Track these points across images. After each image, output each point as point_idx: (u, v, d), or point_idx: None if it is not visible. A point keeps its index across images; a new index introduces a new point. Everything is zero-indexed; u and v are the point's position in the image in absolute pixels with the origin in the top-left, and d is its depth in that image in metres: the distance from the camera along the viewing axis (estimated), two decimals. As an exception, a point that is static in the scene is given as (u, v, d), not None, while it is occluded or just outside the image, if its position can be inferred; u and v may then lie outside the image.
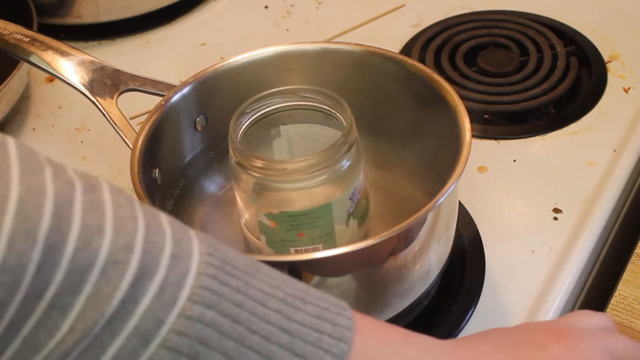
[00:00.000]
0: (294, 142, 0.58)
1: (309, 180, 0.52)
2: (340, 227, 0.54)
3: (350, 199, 0.54)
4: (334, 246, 0.54)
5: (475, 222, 0.64)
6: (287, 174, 0.52)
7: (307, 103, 0.56)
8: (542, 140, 0.72)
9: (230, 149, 0.54)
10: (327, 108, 0.55)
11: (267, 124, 0.57)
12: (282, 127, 0.57)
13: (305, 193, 0.53)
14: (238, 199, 0.56)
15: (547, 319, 0.58)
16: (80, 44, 0.88)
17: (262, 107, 0.56)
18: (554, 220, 0.65)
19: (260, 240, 0.56)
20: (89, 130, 0.78)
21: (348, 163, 0.53)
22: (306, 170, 0.51)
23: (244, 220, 0.58)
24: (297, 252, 0.55)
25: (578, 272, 0.61)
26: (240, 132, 0.55)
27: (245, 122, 0.55)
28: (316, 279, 0.48)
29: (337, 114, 0.55)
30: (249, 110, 0.55)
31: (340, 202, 0.53)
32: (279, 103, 0.56)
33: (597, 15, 0.86)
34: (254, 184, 0.53)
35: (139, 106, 0.72)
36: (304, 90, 0.56)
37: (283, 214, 0.53)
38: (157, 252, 0.33)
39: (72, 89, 0.59)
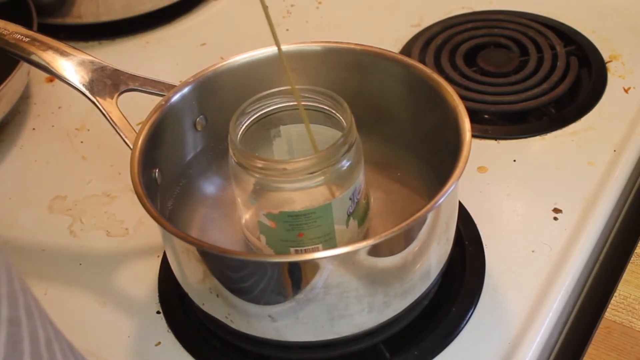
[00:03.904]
0: (294, 142, 0.58)
1: (309, 180, 0.52)
2: (340, 227, 0.54)
3: (350, 199, 0.54)
4: (334, 246, 0.54)
5: (475, 222, 0.64)
6: (287, 174, 0.52)
7: (307, 103, 0.56)
8: (542, 140, 0.72)
9: (230, 149, 0.54)
10: (327, 108, 0.55)
11: (267, 124, 0.57)
12: (282, 127, 0.57)
13: (305, 193, 0.53)
14: (238, 199, 0.56)
15: (547, 320, 0.58)
16: (80, 44, 0.88)
17: (262, 107, 0.56)
18: (554, 220, 0.65)
19: (260, 240, 0.56)
20: (89, 130, 0.78)
21: (348, 163, 0.53)
22: (306, 170, 0.51)
23: (244, 221, 0.58)
24: (297, 252, 0.55)
25: (578, 272, 0.61)
26: (240, 132, 0.55)
27: (245, 122, 0.55)
28: (317, 278, 0.48)
29: (337, 114, 0.55)
30: (249, 110, 0.55)
31: (340, 202, 0.53)
32: (279, 103, 0.56)
33: (597, 15, 0.86)
34: (254, 184, 0.53)
35: (139, 106, 0.72)
36: (304, 90, 0.56)
37: (283, 214, 0.53)
38: None
39: (72, 89, 0.59)
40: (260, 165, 0.52)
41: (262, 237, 0.55)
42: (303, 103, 0.56)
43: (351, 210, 0.54)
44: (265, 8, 0.50)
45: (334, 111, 0.55)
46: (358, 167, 0.54)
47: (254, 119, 0.56)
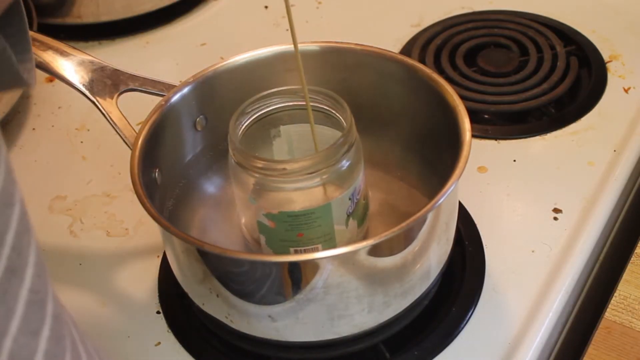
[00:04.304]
0: (294, 142, 0.58)
1: (309, 180, 0.52)
2: (339, 228, 0.54)
3: (350, 199, 0.54)
4: (333, 246, 0.54)
5: (475, 222, 0.64)
6: (287, 174, 0.52)
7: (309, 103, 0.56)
8: (542, 140, 0.72)
9: (230, 149, 0.54)
10: (327, 108, 0.55)
11: (267, 124, 0.57)
12: (282, 127, 0.57)
13: (304, 193, 0.53)
14: (237, 199, 0.56)
15: (547, 320, 0.58)
16: (80, 44, 0.88)
17: (262, 107, 0.56)
18: (554, 220, 0.65)
19: (259, 241, 0.56)
20: (89, 130, 0.78)
21: (348, 163, 0.53)
22: (306, 170, 0.51)
23: (243, 220, 0.58)
24: (296, 252, 0.55)
25: (578, 272, 0.61)
26: (240, 132, 0.55)
27: (245, 122, 0.55)
28: (317, 278, 0.48)
29: (337, 114, 0.55)
30: (249, 110, 0.55)
31: (339, 202, 0.53)
32: (279, 103, 0.56)
33: (597, 15, 0.86)
34: (254, 184, 0.53)
35: (139, 106, 0.72)
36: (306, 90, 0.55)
37: (282, 214, 0.53)
38: None
39: (72, 89, 0.59)
40: (259, 165, 0.52)
41: (261, 237, 0.55)
42: (303, 103, 0.56)
43: (351, 211, 0.54)
44: (288, 7, 0.49)
45: (333, 111, 0.55)
46: (358, 167, 0.54)
47: (254, 119, 0.56)
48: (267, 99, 0.56)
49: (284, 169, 0.52)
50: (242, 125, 0.55)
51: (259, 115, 0.56)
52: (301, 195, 0.53)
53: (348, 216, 0.54)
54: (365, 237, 0.57)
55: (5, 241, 0.28)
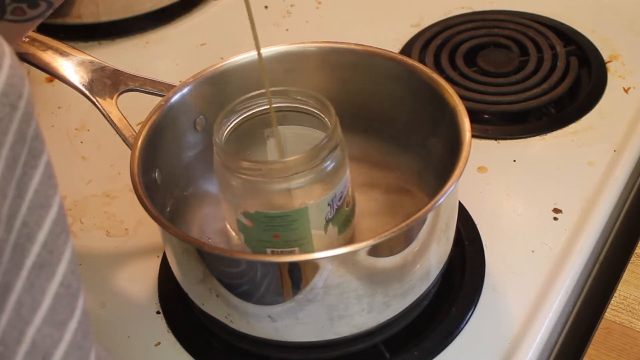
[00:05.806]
0: (287, 143, 0.58)
1: (288, 182, 0.51)
2: (317, 233, 0.54)
3: (329, 205, 0.53)
4: (310, 251, 0.54)
5: (475, 222, 0.64)
6: (265, 175, 0.51)
7: (298, 105, 0.55)
8: (542, 140, 0.72)
9: (214, 147, 0.53)
10: (316, 111, 0.55)
11: (261, 123, 0.56)
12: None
13: (283, 195, 0.52)
14: (222, 197, 0.56)
15: (547, 320, 0.58)
16: (80, 44, 0.88)
17: (255, 106, 0.55)
18: (554, 220, 0.65)
19: (239, 239, 0.56)
20: (89, 130, 0.78)
21: (331, 166, 0.52)
22: (284, 172, 0.51)
23: (227, 219, 0.57)
24: (273, 253, 0.54)
25: (578, 272, 0.61)
26: (230, 130, 0.54)
27: (235, 120, 0.55)
28: (317, 278, 0.48)
29: (323, 117, 0.54)
30: (240, 109, 0.55)
31: (317, 207, 0.53)
32: (273, 103, 0.56)
33: (597, 15, 0.86)
34: (236, 183, 0.53)
35: (139, 106, 0.72)
36: (295, 92, 0.55)
37: (259, 214, 0.52)
38: None
39: (72, 89, 0.59)
40: (241, 165, 0.51)
41: (241, 235, 0.55)
42: (294, 105, 0.55)
43: (330, 217, 0.54)
44: (248, 7, 0.50)
45: (320, 113, 0.54)
46: (341, 172, 0.53)
47: (245, 117, 0.55)
48: (258, 99, 0.55)
49: (259, 169, 0.51)
50: (232, 124, 0.54)
51: (251, 114, 0.55)
52: (280, 196, 0.52)
53: (327, 222, 0.54)
54: (349, 243, 0.56)
55: (36, 239, 0.29)
